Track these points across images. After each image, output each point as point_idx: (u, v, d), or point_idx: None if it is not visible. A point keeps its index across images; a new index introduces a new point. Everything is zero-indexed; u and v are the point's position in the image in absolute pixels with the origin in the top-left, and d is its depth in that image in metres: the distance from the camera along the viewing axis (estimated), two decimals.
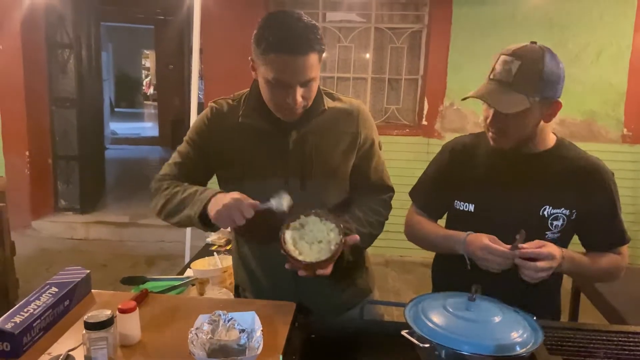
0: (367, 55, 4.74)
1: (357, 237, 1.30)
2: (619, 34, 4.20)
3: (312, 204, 1.33)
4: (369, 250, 1.57)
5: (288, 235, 1.27)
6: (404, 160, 4.22)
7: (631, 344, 1.17)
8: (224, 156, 1.42)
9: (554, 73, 1.26)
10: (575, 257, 1.31)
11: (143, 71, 15.60)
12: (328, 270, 1.24)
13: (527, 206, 1.35)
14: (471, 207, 1.43)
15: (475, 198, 1.43)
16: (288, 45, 1.21)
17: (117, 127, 10.86)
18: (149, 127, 11.65)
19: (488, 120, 1.33)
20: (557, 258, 1.22)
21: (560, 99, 1.31)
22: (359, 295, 1.54)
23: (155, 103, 11.44)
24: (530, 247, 1.23)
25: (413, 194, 1.62)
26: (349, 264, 1.36)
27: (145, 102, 15.28)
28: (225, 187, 1.43)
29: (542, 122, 1.32)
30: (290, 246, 1.24)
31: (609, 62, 4.24)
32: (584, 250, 1.42)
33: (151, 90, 15.24)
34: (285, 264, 1.27)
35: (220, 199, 1.24)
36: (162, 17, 8.77)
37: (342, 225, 1.26)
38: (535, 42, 1.29)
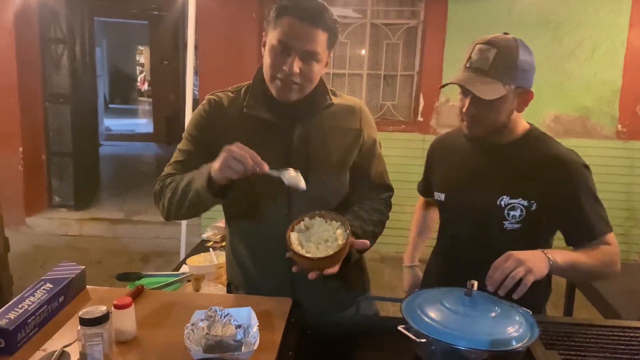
0: (363, 51, 4.74)
1: (368, 242, 1.29)
2: (614, 30, 4.21)
3: (314, 200, 1.33)
4: None
5: (294, 237, 1.24)
6: (399, 157, 4.22)
7: (626, 338, 1.18)
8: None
9: (527, 62, 1.29)
10: (562, 252, 1.26)
11: (137, 67, 15.51)
12: (336, 268, 1.22)
13: (486, 195, 1.37)
14: (442, 197, 1.49)
15: (445, 187, 1.49)
16: (300, 11, 1.25)
17: (111, 123, 10.81)
18: (143, 124, 11.60)
19: (464, 109, 1.34)
20: (514, 256, 1.17)
21: (533, 90, 1.33)
22: (354, 294, 1.53)
23: (150, 99, 11.39)
24: (492, 280, 1.18)
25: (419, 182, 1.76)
26: (351, 264, 1.34)
27: (139, 98, 15.21)
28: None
29: (514, 112, 1.35)
30: (297, 247, 1.22)
31: (603, 59, 4.25)
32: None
33: (145, 87, 15.17)
34: (293, 267, 1.23)
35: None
36: (156, 13, 8.72)
37: (347, 223, 1.25)
38: (507, 33, 1.32)
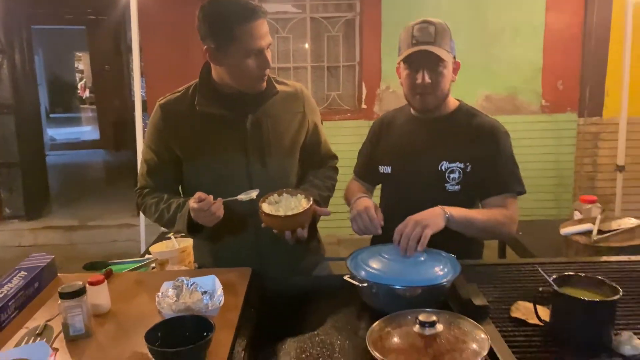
0: (306, 45, 4.89)
1: (329, 211, 1.51)
2: (533, 13, 4.55)
3: (273, 179, 1.50)
4: (321, 231, 1.76)
5: (265, 206, 1.42)
6: (347, 144, 4.37)
7: (527, 272, 1.42)
8: (186, 145, 1.50)
9: (452, 38, 1.53)
10: (458, 208, 1.44)
11: (77, 74, 15.02)
12: (305, 232, 1.43)
13: (428, 163, 1.57)
14: (388, 169, 1.66)
15: (391, 161, 1.66)
16: (251, 14, 1.34)
17: (55, 132, 10.50)
18: (88, 131, 11.33)
19: (418, 81, 1.50)
20: (412, 219, 1.34)
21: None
22: (313, 261, 1.71)
23: (93, 106, 11.11)
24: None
25: (355, 167, 1.85)
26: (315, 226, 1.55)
27: (81, 105, 14.75)
28: (191, 173, 1.54)
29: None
30: (268, 210, 1.41)
31: (525, 41, 4.58)
32: None
33: (87, 94, 14.72)
34: (282, 233, 1.43)
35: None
36: (93, 17, 8.51)
37: (310, 195, 1.46)
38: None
